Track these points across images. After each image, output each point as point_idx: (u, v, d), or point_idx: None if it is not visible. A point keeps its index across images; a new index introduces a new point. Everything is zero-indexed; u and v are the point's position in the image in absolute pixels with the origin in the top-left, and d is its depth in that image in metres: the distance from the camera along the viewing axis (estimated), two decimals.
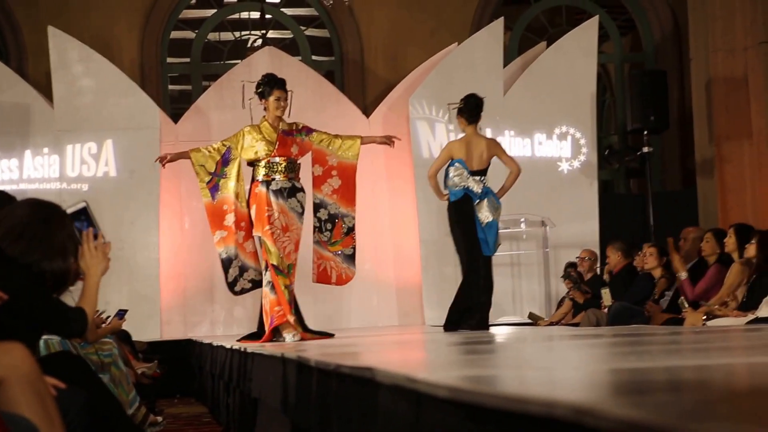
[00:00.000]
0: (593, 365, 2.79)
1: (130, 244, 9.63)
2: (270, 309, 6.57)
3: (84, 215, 3.46)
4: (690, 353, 3.23)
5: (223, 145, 6.78)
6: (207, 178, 6.76)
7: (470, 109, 7.14)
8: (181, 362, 8.79)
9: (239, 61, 10.82)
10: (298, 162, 6.76)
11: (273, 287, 6.56)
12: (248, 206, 6.71)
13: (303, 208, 6.70)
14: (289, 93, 6.75)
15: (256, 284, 6.81)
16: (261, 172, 6.66)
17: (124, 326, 7.04)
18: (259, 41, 11.55)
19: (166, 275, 9.87)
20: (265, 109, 6.73)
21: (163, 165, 6.91)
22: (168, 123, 10.11)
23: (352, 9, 11.04)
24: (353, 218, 6.94)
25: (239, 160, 6.78)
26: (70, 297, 3.42)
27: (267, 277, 6.62)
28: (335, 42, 11.44)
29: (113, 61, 10.10)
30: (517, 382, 2.15)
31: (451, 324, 7.05)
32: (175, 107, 11.44)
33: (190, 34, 11.55)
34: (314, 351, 4.20)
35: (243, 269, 6.81)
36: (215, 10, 11.50)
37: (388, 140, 7.03)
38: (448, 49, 10.47)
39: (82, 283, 3.42)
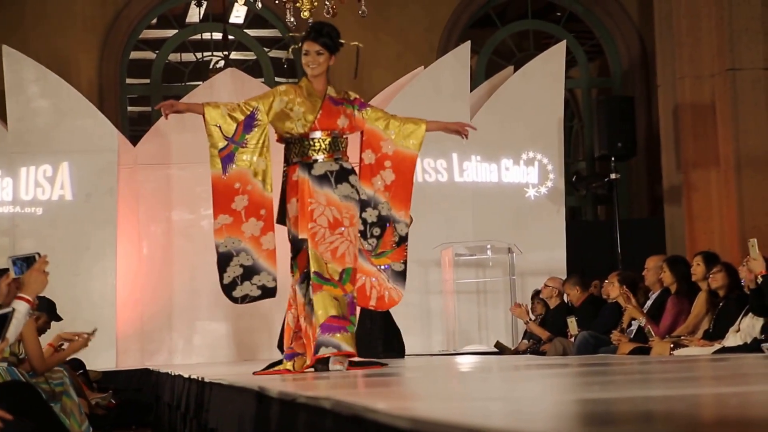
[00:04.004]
0: (558, 395, 2.74)
1: (86, 269, 9.43)
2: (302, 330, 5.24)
3: None
4: (656, 383, 3.21)
5: (248, 105, 5.33)
6: (221, 144, 5.29)
7: None
8: (137, 392, 8.59)
9: (201, 82, 10.68)
10: (345, 136, 5.40)
11: (312, 305, 5.16)
12: (285, 197, 5.35)
13: (359, 193, 5.34)
14: (355, 46, 5.47)
15: (268, 293, 5.34)
16: (297, 151, 5.31)
17: (78, 355, 6.83)
18: (222, 63, 11.42)
19: (122, 302, 9.65)
20: None
21: (166, 116, 5.38)
22: (126, 145, 9.91)
23: None
24: (406, 225, 5.57)
25: (266, 127, 5.35)
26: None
27: (308, 291, 5.23)
28: (299, 64, 11.29)
29: (70, 82, 9.94)
30: (481, 413, 2.10)
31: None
32: (134, 129, 11.29)
33: (150, 55, 11.41)
34: (274, 381, 4.07)
35: (252, 271, 5.30)
36: (176, 31, 11.39)
37: (461, 128, 5.58)
38: (414, 73, 10.38)
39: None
